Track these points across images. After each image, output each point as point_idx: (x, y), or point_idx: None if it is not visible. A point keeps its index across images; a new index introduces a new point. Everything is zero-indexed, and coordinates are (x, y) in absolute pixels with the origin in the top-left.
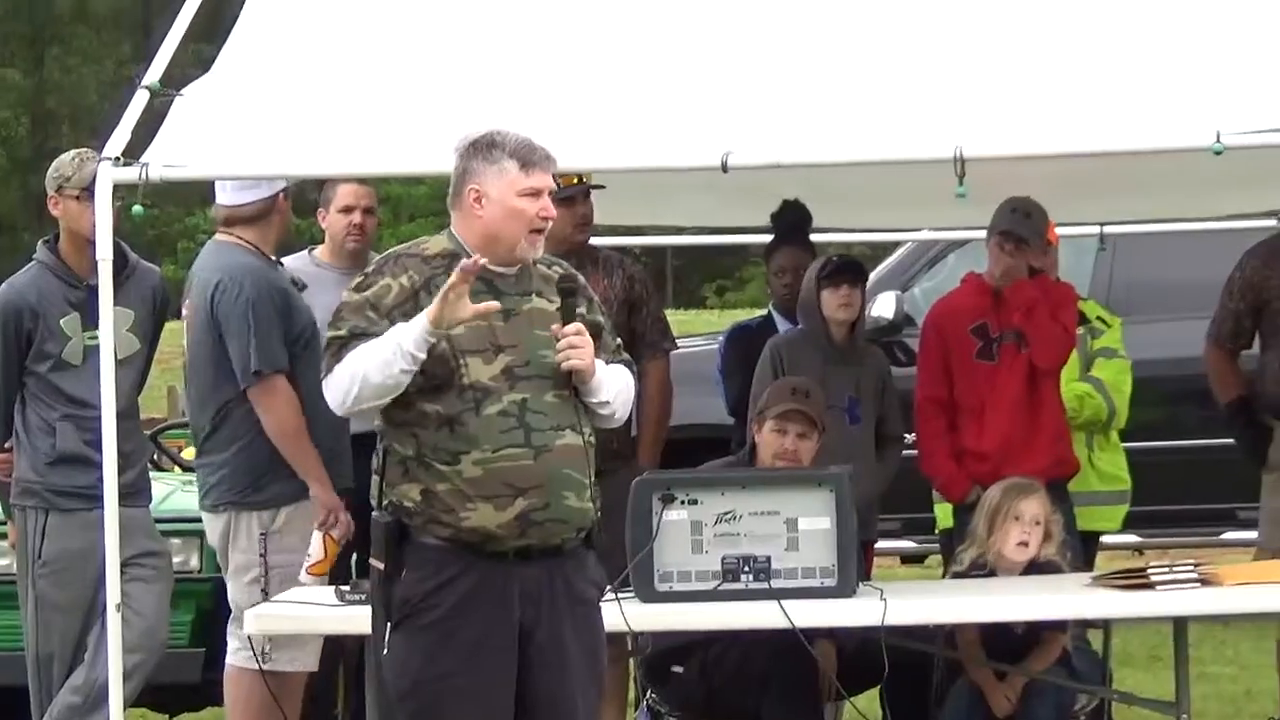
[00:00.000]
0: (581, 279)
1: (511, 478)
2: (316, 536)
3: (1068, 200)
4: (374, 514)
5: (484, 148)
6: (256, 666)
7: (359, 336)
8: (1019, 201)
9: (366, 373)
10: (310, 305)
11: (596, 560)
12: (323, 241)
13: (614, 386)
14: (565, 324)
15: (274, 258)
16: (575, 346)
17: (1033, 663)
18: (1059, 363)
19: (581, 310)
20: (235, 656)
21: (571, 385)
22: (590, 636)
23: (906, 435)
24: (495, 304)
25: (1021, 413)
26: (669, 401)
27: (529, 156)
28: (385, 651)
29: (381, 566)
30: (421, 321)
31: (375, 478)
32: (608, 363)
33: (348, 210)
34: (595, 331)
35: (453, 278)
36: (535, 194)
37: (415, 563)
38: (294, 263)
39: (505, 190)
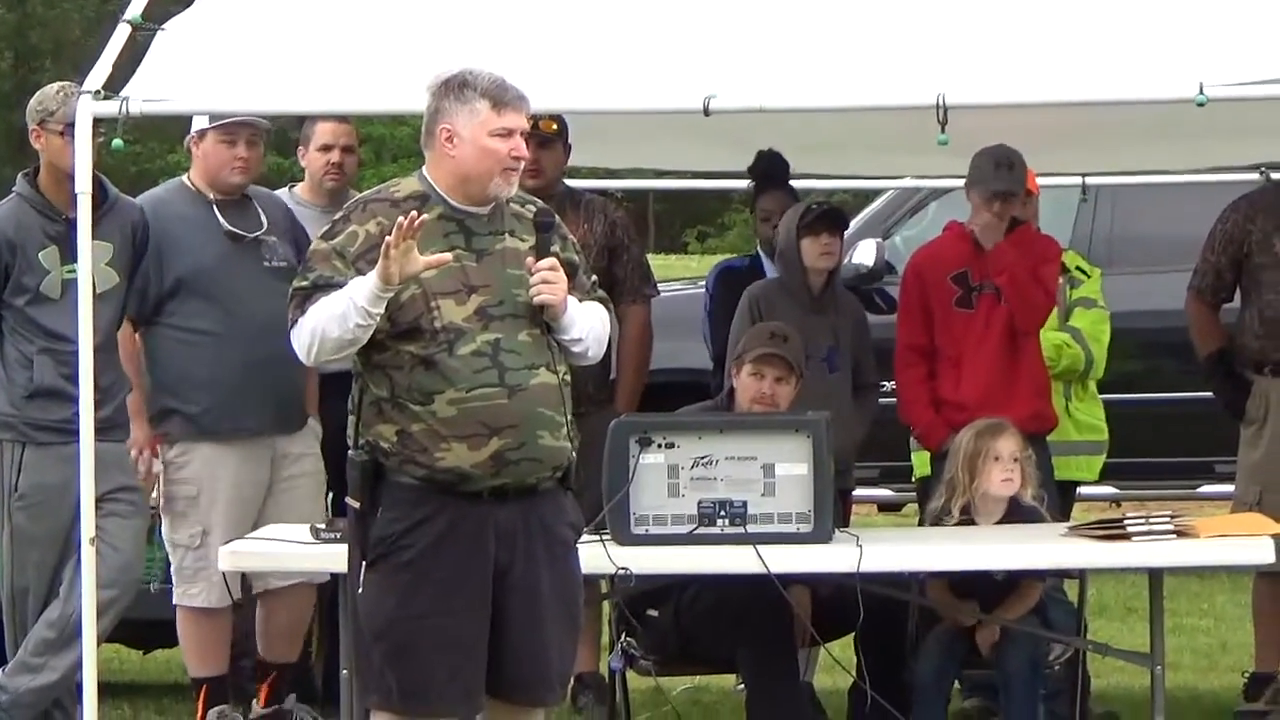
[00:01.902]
0: (556, 216)
1: (486, 417)
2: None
3: (1050, 150)
4: (350, 453)
5: (456, 87)
6: (176, 601)
7: (323, 288)
8: (1000, 154)
9: (326, 326)
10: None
11: (574, 501)
12: (304, 179)
13: (586, 324)
14: (539, 259)
15: (211, 195)
16: (548, 281)
17: (1008, 610)
18: (1038, 326)
19: (556, 248)
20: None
21: (544, 323)
22: (566, 578)
23: (884, 383)
24: (447, 256)
25: (1000, 365)
26: (649, 347)
27: (501, 96)
28: (360, 590)
29: (357, 505)
30: (372, 279)
31: (351, 417)
32: (581, 300)
33: (326, 149)
34: (570, 270)
35: (389, 238)
36: (507, 134)
37: (390, 502)
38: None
39: (477, 130)
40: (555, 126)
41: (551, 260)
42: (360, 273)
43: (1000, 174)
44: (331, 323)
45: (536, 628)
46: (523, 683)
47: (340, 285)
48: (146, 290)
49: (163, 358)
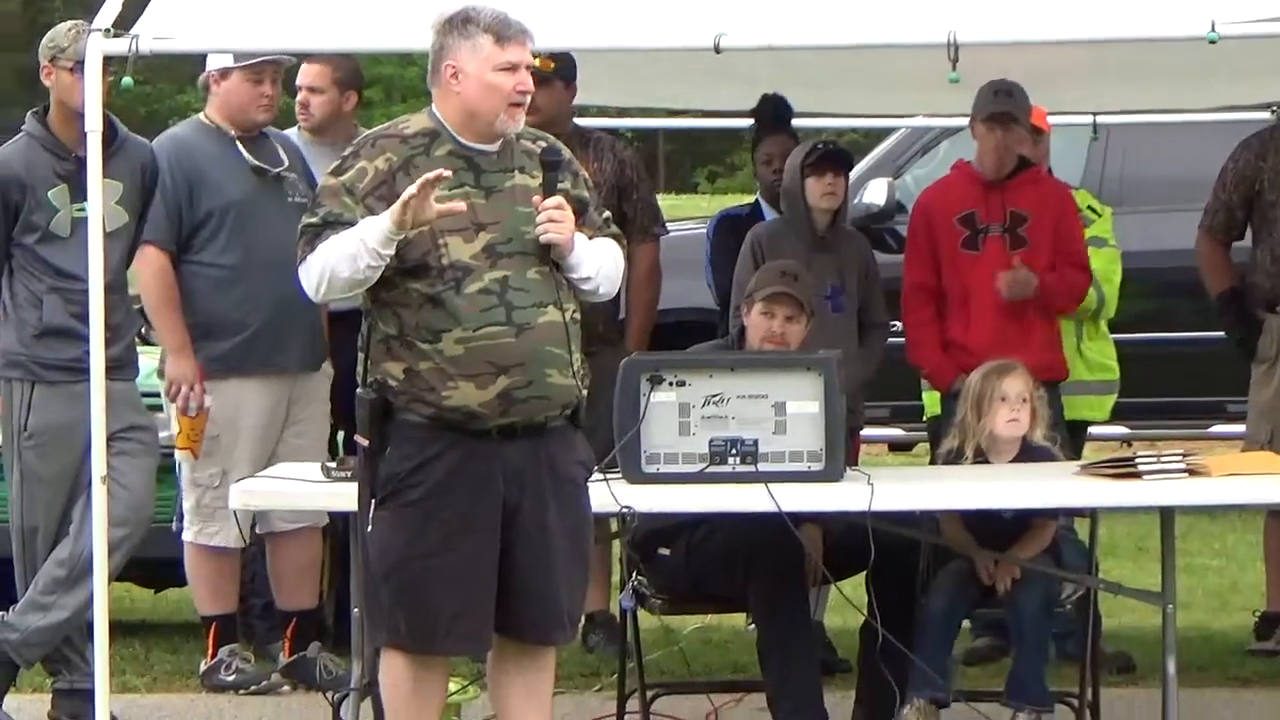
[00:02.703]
0: (567, 152)
1: (493, 356)
2: (172, 409)
3: (1061, 88)
4: (358, 391)
5: (459, 24)
6: (189, 539)
7: (332, 225)
8: (998, 83)
9: (335, 266)
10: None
11: (584, 440)
12: None
13: (597, 262)
14: (546, 197)
15: (232, 132)
16: (554, 220)
17: (1022, 549)
18: (1081, 299)
19: (565, 185)
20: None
21: (552, 260)
22: (575, 516)
23: (895, 323)
24: (461, 205)
25: (1009, 312)
26: (657, 287)
27: (504, 31)
28: (369, 529)
29: (366, 444)
30: (385, 223)
31: (360, 355)
32: (591, 238)
33: (312, 90)
34: (580, 207)
35: (413, 188)
36: (512, 69)
37: (399, 440)
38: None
39: (481, 66)
40: (551, 65)
41: (558, 199)
42: (369, 209)
43: (999, 100)
44: (341, 262)
45: (545, 566)
46: (532, 621)
47: (349, 222)
48: (180, 224)
49: (190, 295)
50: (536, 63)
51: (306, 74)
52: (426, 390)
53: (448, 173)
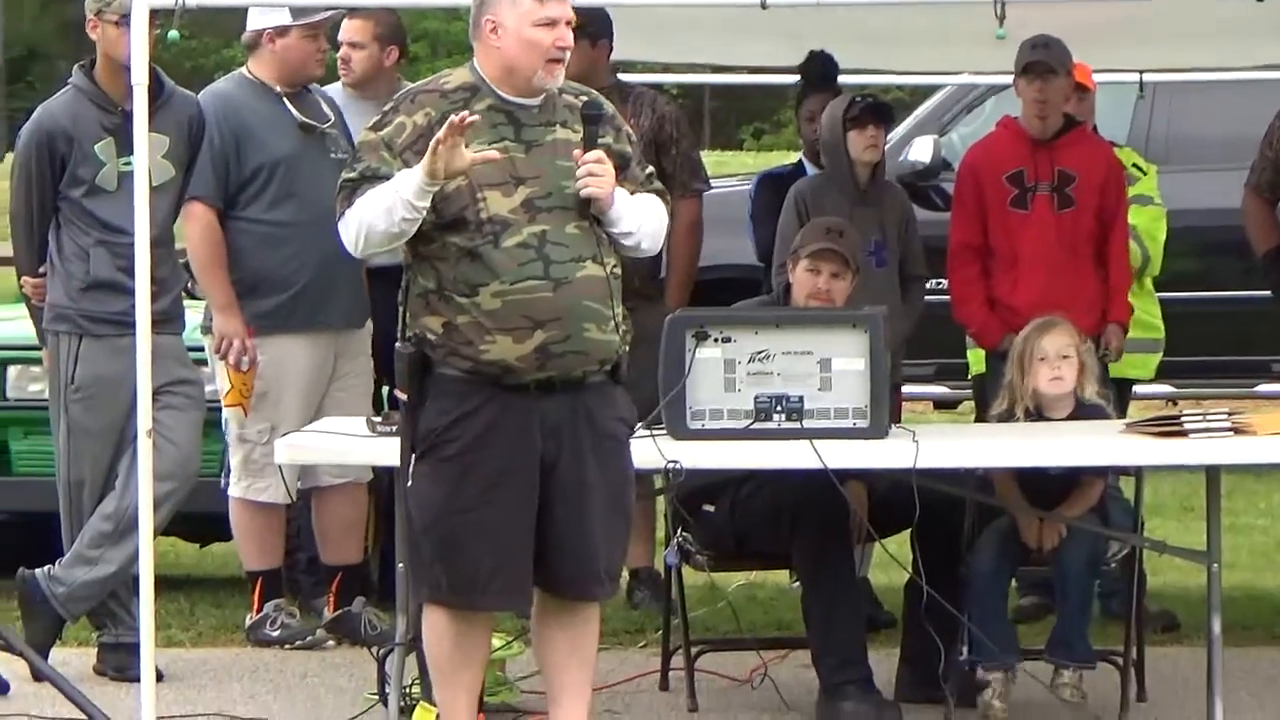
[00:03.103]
0: (609, 107)
1: (530, 310)
2: (221, 367)
3: (1108, 46)
4: (397, 345)
5: None
6: (237, 495)
7: (370, 179)
8: (1036, 37)
9: (372, 220)
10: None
11: (626, 395)
12: None
13: (638, 217)
14: (587, 151)
15: (279, 88)
16: (594, 174)
17: (1069, 507)
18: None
19: (607, 139)
20: (230, 486)
21: (591, 215)
22: (616, 472)
23: (939, 280)
24: (494, 153)
25: (1057, 272)
26: (698, 243)
27: None
28: (410, 484)
29: (405, 398)
30: (418, 174)
31: (400, 309)
32: (633, 193)
33: (353, 46)
34: (623, 162)
35: (439, 133)
36: (551, 24)
37: (437, 394)
38: (330, 93)
39: (520, 20)
40: (578, 21)
41: (598, 153)
42: (407, 164)
43: (1035, 51)
44: (378, 215)
45: (583, 522)
46: (569, 577)
47: (387, 177)
48: (227, 180)
49: (237, 252)
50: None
51: (348, 29)
52: (464, 344)
53: (475, 117)
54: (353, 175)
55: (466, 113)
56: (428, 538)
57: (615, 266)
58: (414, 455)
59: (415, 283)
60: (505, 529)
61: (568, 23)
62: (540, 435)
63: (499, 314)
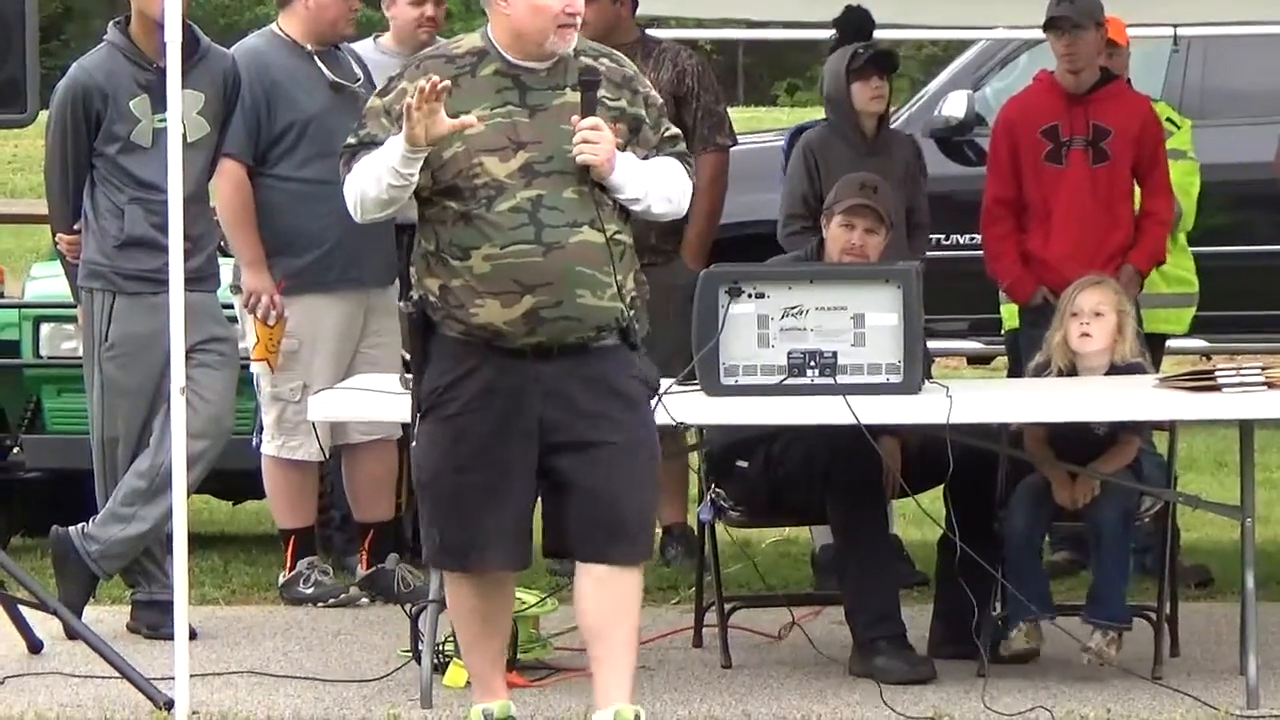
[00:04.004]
0: (624, 71)
1: (519, 274)
2: (250, 322)
3: (1142, 1)
4: (399, 304)
5: None
6: (270, 453)
7: (368, 145)
8: None
9: (365, 186)
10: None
11: (644, 356)
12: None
13: (645, 182)
14: (584, 118)
15: (309, 46)
16: (589, 141)
17: (1105, 464)
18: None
19: (621, 103)
20: (264, 444)
21: (592, 180)
22: (634, 432)
23: (973, 236)
24: (471, 119)
25: (1091, 224)
26: (719, 198)
27: None
28: (414, 443)
29: (409, 357)
30: (400, 140)
31: (407, 269)
32: (646, 157)
33: (420, 3)
34: (635, 124)
35: (410, 99)
36: None
37: (439, 355)
38: (359, 50)
39: None
40: None
41: (594, 120)
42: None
43: (1062, 6)
44: (370, 182)
45: (606, 484)
46: (597, 540)
47: (383, 144)
48: (258, 137)
49: (268, 210)
50: None
51: None
52: (457, 307)
53: (446, 83)
54: (353, 141)
55: (437, 78)
56: (425, 496)
57: (619, 232)
58: (419, 415)
59: (419, 244)
60: (500, 488)
61: None
62: (540, 399)
63: (489, 277)
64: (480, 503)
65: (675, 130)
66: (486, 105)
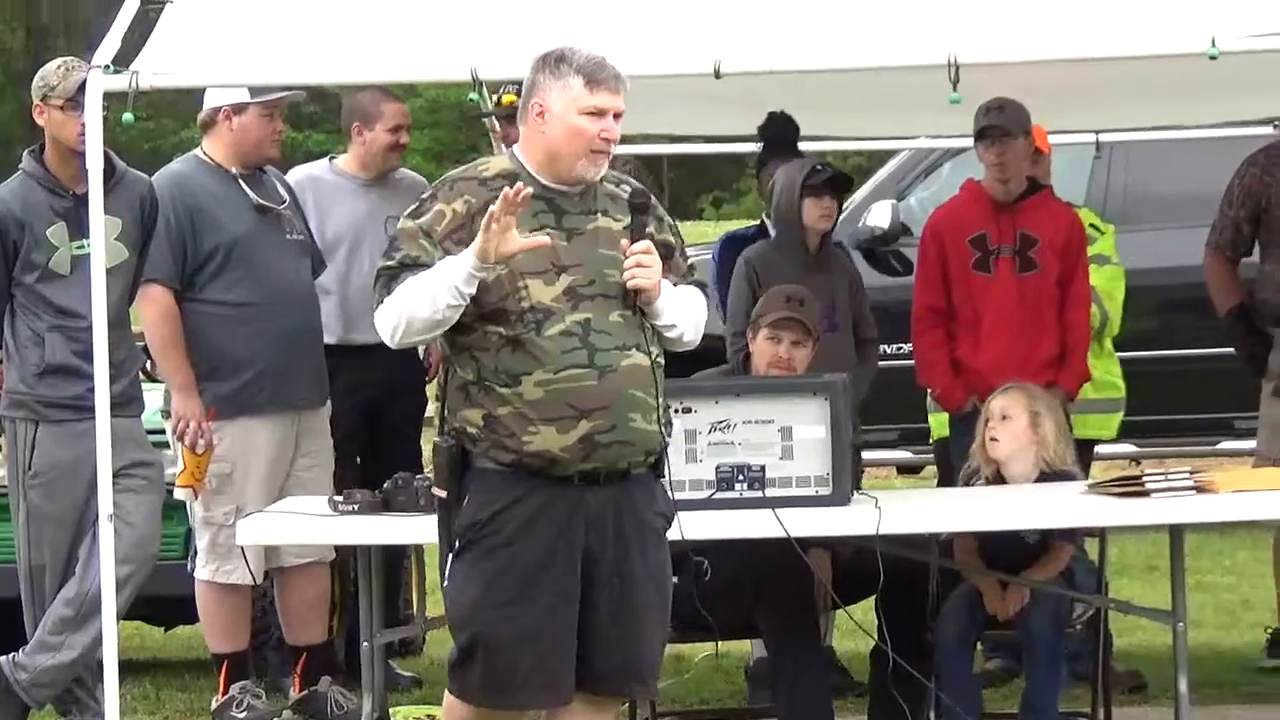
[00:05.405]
0: (653, 198)
1: (574, 399)
2: (177, 447)
3: (1063, 107)
4: (435, 439)
5: (552, 62)
6: (204, 578)
7: (409, 267)
8: (991, 100)
9: (415, 308)
10: (326, 213)
11: (664, 489)
12: (325, 154)
13: (681, 309)
14: (634, 241)
15: (234, 169)
16: (643, 265)
17: (1037, 572)
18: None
19: (651, 230)
20: (197, 569)
21: (636, 305)
22: (658, 567)
23: (901, 345)
24: (545, 239)
25: (1019, 333)
26: None
27: (596, 74)
28: (446, 582)
29: (444, 495)
30: (468, 258)
31: (436, 403)
32: (675, 284)
33: (396, 130)
34: (666, 252)
35: (494, 208)
36: (599, 114)
37: (479, 488)
38: (312, 171)
39: (568, 106)
40: (516, 100)
41: (646, 243)
42: (448, 252)
43: (990, 116)
44: (421, 303)
45: (628, 618)
46: (612, 674)
47: (427, 265)
48: (184, 261)
49: (196, 334)
50: (505, 100)
51: (405, 114)
52: (507, 436)
53: (528, 190)
54: (391, 263)
55: (521, 184)
56: (462, 634)
57: (659, 356)
58: (451, 553)
59: (454, 375)
60: (547, 623)
61: (616, 115)
62: (584, 528)
63: (542, 403)
64: (525, 638)
65: (692, 260)
66: (525, 228)
